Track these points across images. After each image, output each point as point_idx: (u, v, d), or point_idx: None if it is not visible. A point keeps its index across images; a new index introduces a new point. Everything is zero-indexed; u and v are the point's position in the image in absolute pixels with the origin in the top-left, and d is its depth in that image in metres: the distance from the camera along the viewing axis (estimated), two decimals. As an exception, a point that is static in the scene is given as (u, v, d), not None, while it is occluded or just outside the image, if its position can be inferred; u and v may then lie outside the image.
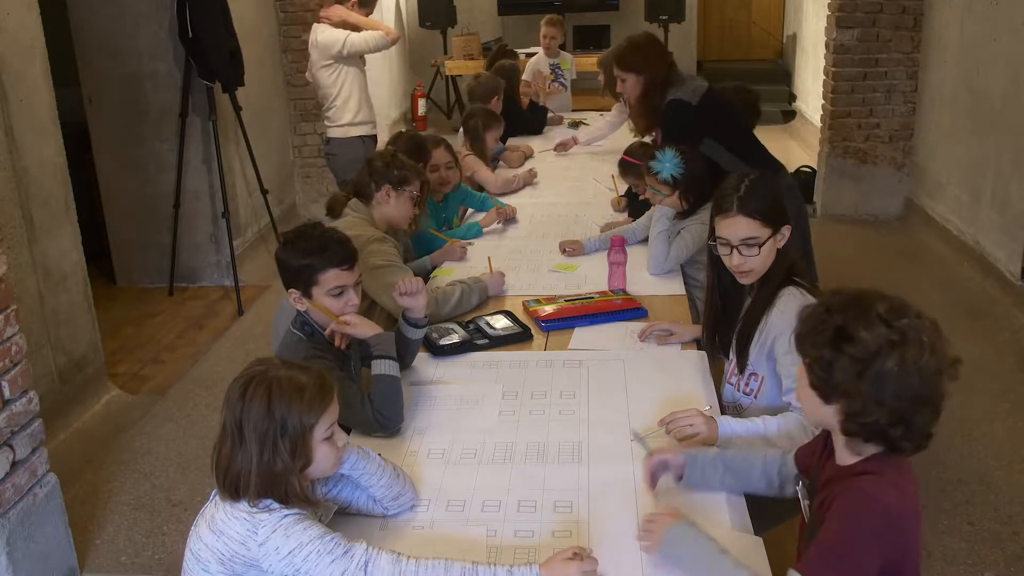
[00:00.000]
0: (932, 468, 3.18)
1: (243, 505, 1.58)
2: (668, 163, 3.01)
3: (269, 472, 1.56)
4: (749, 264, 2.15)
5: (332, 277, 2.17)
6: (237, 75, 4.88)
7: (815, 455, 1.70)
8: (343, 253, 2.21)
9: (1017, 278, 4.28)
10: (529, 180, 4.45)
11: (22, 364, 2.54)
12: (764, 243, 2.12)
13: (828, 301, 1.51)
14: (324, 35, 4.60)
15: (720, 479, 1.84)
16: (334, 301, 2.18)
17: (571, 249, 3.39)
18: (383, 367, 2.16)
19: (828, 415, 1.52)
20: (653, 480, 1.86)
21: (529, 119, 5.56)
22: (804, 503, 1.70)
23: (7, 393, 2.47)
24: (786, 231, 2.15)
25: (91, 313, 3.73)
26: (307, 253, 2.18)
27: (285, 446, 1.57)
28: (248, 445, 1.56)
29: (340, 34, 4.58)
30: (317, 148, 6.29)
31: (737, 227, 2.13)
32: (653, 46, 3.46)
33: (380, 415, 2.13)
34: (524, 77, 5.94)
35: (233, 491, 1.58)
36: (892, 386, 1.42)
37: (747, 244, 2.13)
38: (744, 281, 2.21)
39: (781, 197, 2.19)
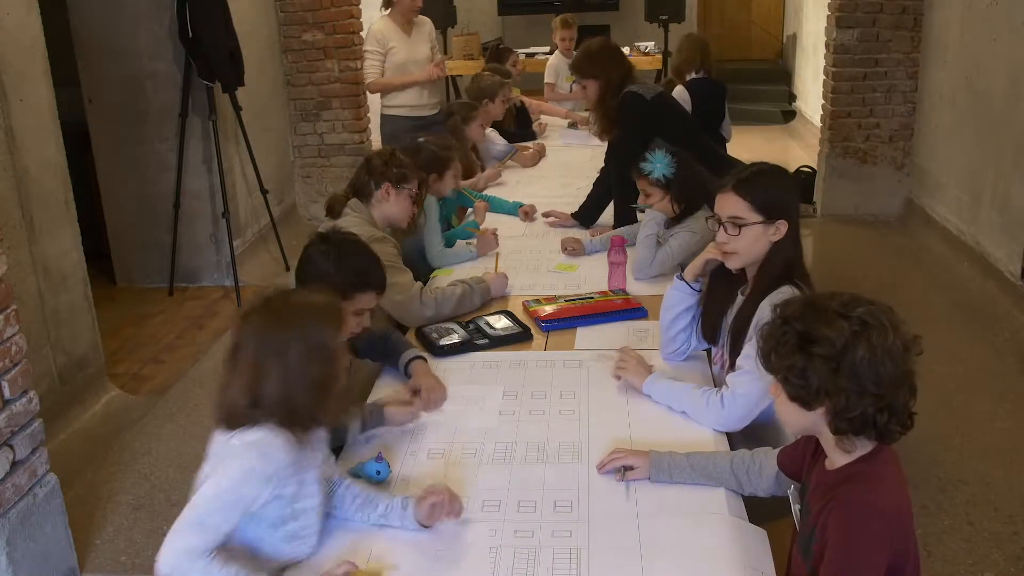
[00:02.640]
0: (932, 468, 3.18)
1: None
2: (659, 163, 3.02)
3: (319, 384, 1.67)
4: (732, 245, 2.15)
5: (366, 299, 2.22)
6: (237, 75, 4.88)
7: (805, 459, 1.70)
8: (381, 279, 2.27)
9: (1017, 278, 4.28)
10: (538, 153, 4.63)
11: (22, 364, 2.54)
12: (748, 226, 2.11)
13: (783, 313, 1.54)
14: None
15: (688, 478, 1.89)
16: (353, 320, 2.19)
17: (572, 248, 3.39)
18: (352, 423, 2.12)
19: (814, 421, 1.54)
20: (604, 466, 1.93)
21: (514, 131, 5.43)
22: (795, 507, 1.70)
23: (7, 393, 2.47)
24: (781, 227, 2.12)
25: (91, 313, 3.72)
26: (351, 269, 2.21)
27: (325, 361, 1.69)
28: (296, 367, 1.64)
29: (368, 44, 4.91)
30: (317, 148, 6.29)
31: (727, 203, 2.14)
32: (607, 52, 3.59)
33: None
34: (547, 80, 6.07)
35: (282, 407, 1.64)
36: (869, 373, 1.45)
37: (733, 222, 2.13)
38: (730, 265, 2.21)
39: (785, 192, 2.18)
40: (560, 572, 1.66)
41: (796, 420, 1.57)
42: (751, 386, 2.04)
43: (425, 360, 2.45)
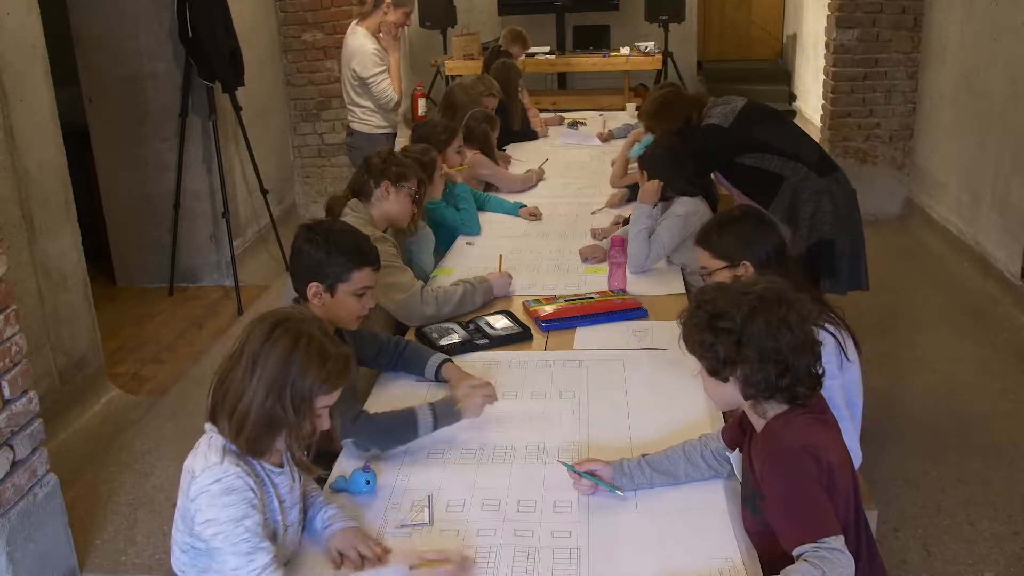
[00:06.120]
0: (932, 468, 3.18)
1: (215, 445, 1.63)
2: (640, 147, 3.14)
3: (269, 416, 1.61)
4: None
5: (364, 277, 2.21)
6: (237, 75, 4.88)
7: (744, 433, 1.81)
8: (374, 254, 2.26)
9: (1017, 278, 4.28)
10: (541, 176, 4.48)
11: (22, 364, 2.54)
12: (714, 272, 2.30)
13: (697, 299, 1.73)
14: (360, 59, 4.46)
15: (650, 480, 1.91)
16: (356, 301, 2.21)
17: (593, 256, 3.35)
18: (422, 415, 2.10)
19: (731, 392, 1.69)
20: (579, 477, 1.91)
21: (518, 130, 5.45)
22: (736, 468, 1.82)
23: (7, 393, 2.47)
24: (748, 268, 2.24)
25: (91, 313, 3.72)
26: (343, 250, 2.20)
27: (288, 400, 1.61)
28: (256, 383, 1.61)
29: (373, 67, 4.45)
30: (317, 148, 6.29)
31: (698, 255, 2.39)
32: (665, 106, 3.59)
33: (365, 431, 2.08)
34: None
35: (228, 416, 1.62)
36: (769, 342, 1.61)
37: (703, 272, 2.38)
38: None
39: (743, 238, 2.28)
40: (560, 572, 1.67)
41: (717, 394, 1.73)
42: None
43: (453, 361, 2.44)
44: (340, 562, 1.72)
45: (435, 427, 2.11)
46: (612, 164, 4.46)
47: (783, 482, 1.59)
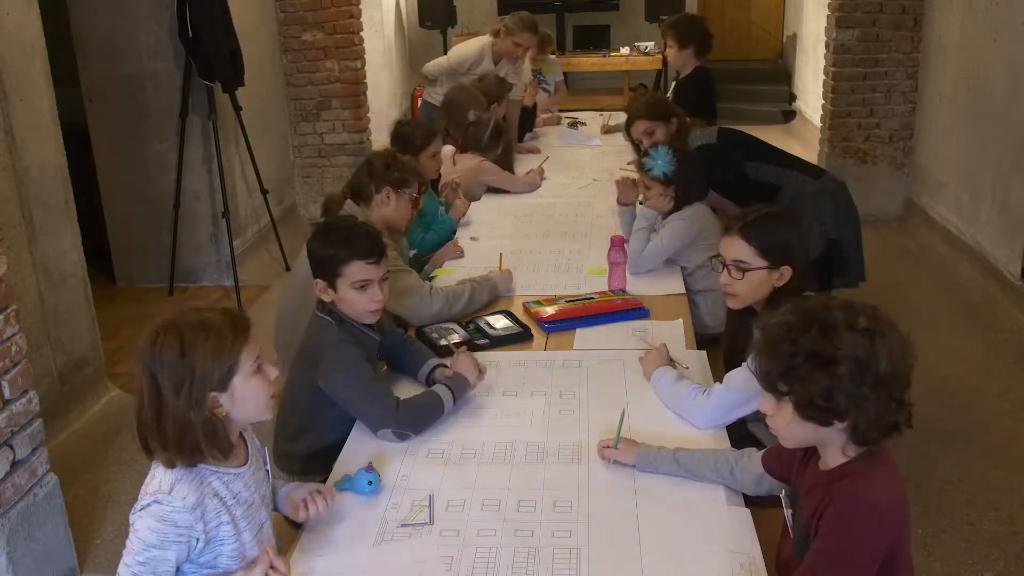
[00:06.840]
0: (932, 468, 3.18)
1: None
2: (660, 160, 3.06)
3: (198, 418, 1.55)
4: (734, 287, 2.22)
5: (356, 270, 2.19)
6: (237, 75, 4.88)
7: (795, 461, 1.70)
8: (369, 246, 2.23)
9: (1017, 278, 4.28)
10: (541, 175, 4.48)
11: (22, 364, 2.54)
12: (752, 271, 2.17)
13: (784, 333, 1.49)
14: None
15: (672, 471, 1.92)
16: (359, 295, 2.20)
17: (625, 189, 3.39)
18: (442, 392, 2.21)
19: (827, 434, 1.53)
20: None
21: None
22: (787, 512, 1.70)
23: (7, 393, 2.47)
24: (786, 272, 2.17)
25: (91, 313, 3.72)
26: (333, 243, 2.22)
27: (209, 389, 1.56)
28: (170, 396, 1.54)
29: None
30: (317, 148, 6.29)
31: (733, 246, 2.21)
32: (662, 102, 3.75)
33: (406, 418, 2.13)
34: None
35: (164, 444, 1.57)
36: (893, 378, 1.45)
37: (736, 265, 2.19)
38: (730, 304, 2.29)
39: (789, 240, 2.21)
40: (560, 572, 1.67)
41: (804, 436, 1.55)
42: (735, 392, 2.10)
43: (447, 365, 2.44)
44: (305, 510, 1.78)
45: (455, 400, 2.21)
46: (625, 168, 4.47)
47: (841, 532, 1.46)
